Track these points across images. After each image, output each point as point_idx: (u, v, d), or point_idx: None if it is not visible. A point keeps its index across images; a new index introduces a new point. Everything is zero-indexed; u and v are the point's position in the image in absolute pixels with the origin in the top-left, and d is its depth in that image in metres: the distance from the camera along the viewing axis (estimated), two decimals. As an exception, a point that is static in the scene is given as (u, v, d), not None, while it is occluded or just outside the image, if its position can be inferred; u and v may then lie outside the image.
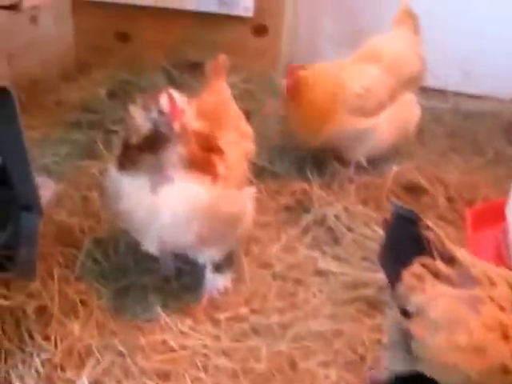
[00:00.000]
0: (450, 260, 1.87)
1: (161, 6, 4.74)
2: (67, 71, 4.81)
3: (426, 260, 1.86)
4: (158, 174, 2.35)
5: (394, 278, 1.89)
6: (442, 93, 4.41)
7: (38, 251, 2.53)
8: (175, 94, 2.34)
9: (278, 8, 4.65)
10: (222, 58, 3.00)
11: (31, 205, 2.41)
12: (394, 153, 3.70)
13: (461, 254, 1.90)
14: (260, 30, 4.70)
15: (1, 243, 2.43)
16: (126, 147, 2.43)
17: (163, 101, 2.30)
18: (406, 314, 1.86)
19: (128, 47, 4.93)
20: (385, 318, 2.35)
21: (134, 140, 2.38)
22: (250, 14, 4.61)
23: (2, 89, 2.11)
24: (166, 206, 2.35)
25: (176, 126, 2.28)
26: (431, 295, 1.82)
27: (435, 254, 1.86)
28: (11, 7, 2.26)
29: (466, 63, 4.56)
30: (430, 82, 4.04)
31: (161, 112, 2.30)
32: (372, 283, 2.77)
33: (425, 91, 3.97)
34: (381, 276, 2.72)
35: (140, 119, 2.37)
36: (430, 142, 4.02)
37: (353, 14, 4.34)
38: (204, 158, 2.43)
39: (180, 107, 2.31)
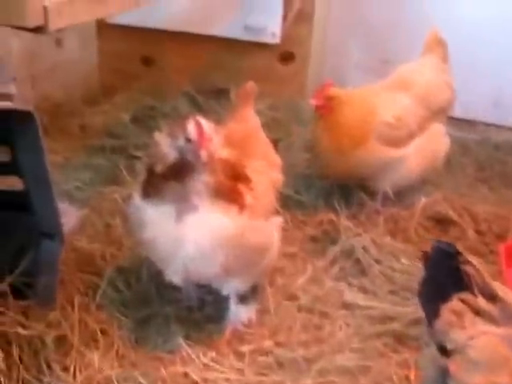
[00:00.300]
0: (491, 296, 1.79)
1: (186, 31, 4.69)
2: (91, 95, 4.78)
3: (466, 296, 1.79)
4: (183, 203, 2.30)
5: (432, 313, 1.82)
6: (470, 123, 4.33)
7: (58, 279, 2.47)
8: (203, 121, 2.28)
9: (305, 35, 4.60)
10: (251, 85, 2.94)
11: (53, 232, 2.37)
12: (422, 183, 3.63)
13: (502, 290, 1.83)
14: (287, 57, 4.66)
15: (21, 270, 2.37)
16: (151, 175, 2.38)
17: (190, 128, 2.25)
18: (443, 351, 1.78)
19: (152, 72, 4.89)
20: (421, 355, 2.28)
21: (160, 168, 2.33)
22: (276, 40, 4.54)
23: (26, 113, 2.08)
24: (191, 235, 2.30)
25: (203, 155, 2.22)
26: (471, 333, 1.74)
27: (475, 289, 1.79)
28: (37, 30, 2.21)
29: (496, 94, 4.49)
30: (459, 111, 3.98)
31: (188, 139, 2.25)
32: (400, 317, 2.70)
33: (453, 121, 3.89)
34: (409, 310, 2.69)
35: (166, 147, 2.32)
36: (458, 172, 3.95)
37: (381, 42, 4.28)
38: (230, 187, 2.37)
39: (208, 135, 2.25)
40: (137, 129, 4.17)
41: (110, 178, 3.67)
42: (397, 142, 3.31)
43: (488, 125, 4.47)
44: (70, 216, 2.52)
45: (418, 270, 2.83)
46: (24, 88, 4.22)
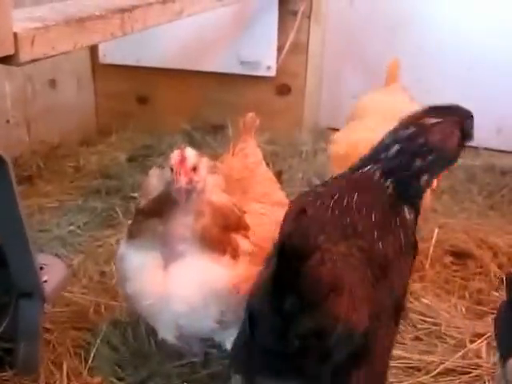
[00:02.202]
0: None
1: (180, 68, 4.37)
2: (87, 136, 4.46)
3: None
4: (168, 248, 1.88)
5: (507, 351, 1.55)
6: (474, 150, 3.89)
7: (39, 344, 1.99)
8: (190, 150, 1.85)
9: (301, 67, 4.24)
10: (251, 117, 2.50)
11: (31, 291, 1.89)
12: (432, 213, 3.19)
13: None
14: (283, 89, 4.30)
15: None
16: (136, 213, 1.98)
17: (173, 156, 1.83)
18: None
19: (148, 110, 4.57)
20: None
21: (143, 203, 1.91)
22: (272, 73, 4.21)
23: (-6, 156, 1.62)
24: (178, 287, 1.88)
25: (182, 182, 1.79)
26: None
27: None
28: (5, 60, 1.76)
29: (499, 120, 4.12)
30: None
31: (171, 169, 1.83)
32: (427, 367, 2.25)
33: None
34: (436, 359, 2.22)
35: (154, 181, 1.91)
36: (466, 200, 3.56)
37: (377, 71, 3.88)
38: (219, 236, 1.92)
39: (190, 163, 1.82)
40: (133, 169, 3.81)
41: (106, 221, 3.26)
42: None
43: (492, 151, 4.08)
44: (56, 271, 2.03)
45: (440, 311, 2.52)
46: (19, 132, 3.93)
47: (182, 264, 1.89)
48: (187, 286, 1.87)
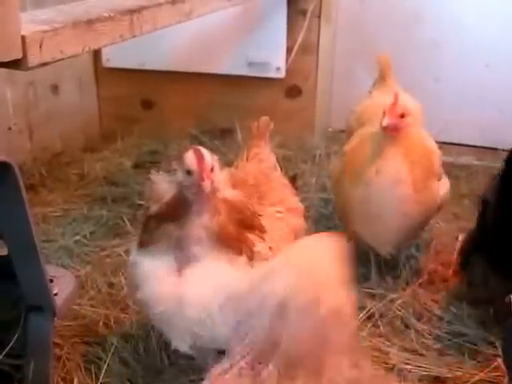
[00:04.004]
0: None
1: (186, 71, 4.35)
2: (91, 142, 4.44)
3: None
4: (182, 252, 1.86)
5: None
6: (493, 151, 3.85)
7: (51, 360, 1.96)
8: (203, 150, 1.86)
9: (311, 67, 4.21)
10: (265, 120, 2.48)
11: (42, 305, 1.86)
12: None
13: None
14: (293, 91, 4.26)
15: (6, 351, 1.88)
16: (147, 220, 1.95)
17: (190, 158, 1.83)
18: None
19: (153, 115, 4.54)
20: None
21: (155, 208, 1.89)
22: (282, 75, 4.18)
23: (3, 164, 1.59)
24: (193, 292, 1.86)
25: (206, 186, 1.79)
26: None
27: None
28: (13, 64, 1.73)
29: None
30: (481, 140, 3.71)
31: (188, 172, 1.83)
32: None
33: (476, 150, 3.45)
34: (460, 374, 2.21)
35: (163, 183, 1.90)
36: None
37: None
38: (235, 233, 1.92)
39: (209, 164, 1.83)
40: (139, 175, 3.75)
41: (113, 230, 3.24)
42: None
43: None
44: (65, 284, 2.01)
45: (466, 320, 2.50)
46: (21, 138, 3.91)
47: (197, 268, 1.87)
48: (202, 291, 1.85)
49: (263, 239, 2.01)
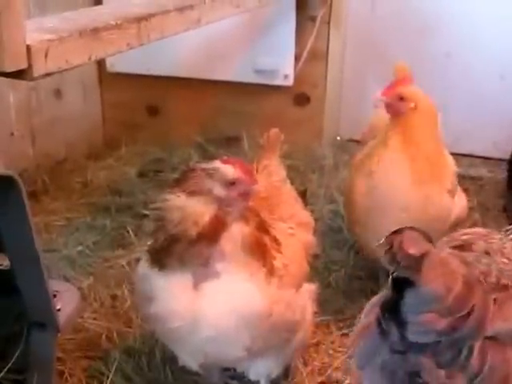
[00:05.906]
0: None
1: (193, 77, 4.34)
2: (94, 149, 4.42)
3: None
4: (203, 268, 1.84)
5: None
6: (501, 162, 3.85)
7: (53, 377, 1.96)
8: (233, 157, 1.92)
9: (320, 76, 4.21)
10: (275, 133, 2.46)
11: (45, 321, 1.86)
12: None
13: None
14: (301, 99, 4.26)
15: (8, 366, 1.87)
16: (171, 243, 1.86)
17: (228, 169, 1.84)
18: None
19: (158, 122, 4.53)
20: None
21: (193, 233, 1.81)
22: (290, 83, 4.17)
23: (6, 178, 1.58)
24: (210, 309, 1.83)
25: (258, 188, 1.89)
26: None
27: None
28: (18, 75, 1.73)
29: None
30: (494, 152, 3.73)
31: (231, 183, 1.84)
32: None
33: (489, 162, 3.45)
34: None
35: (198, 207, 1.83)
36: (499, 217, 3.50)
37: (401, 80, 3.86)
38: (260, 240, 1.93)
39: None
40: (144, 184, 3.77)
41: (116, 240, 3.23)
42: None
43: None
44: (69, 299, 1.99)
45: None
46: (23, 144, 3.91)
47: (215, 283, 1.85)
48: (220, 309, 1.83)
49: (280, 252, 2.00)
